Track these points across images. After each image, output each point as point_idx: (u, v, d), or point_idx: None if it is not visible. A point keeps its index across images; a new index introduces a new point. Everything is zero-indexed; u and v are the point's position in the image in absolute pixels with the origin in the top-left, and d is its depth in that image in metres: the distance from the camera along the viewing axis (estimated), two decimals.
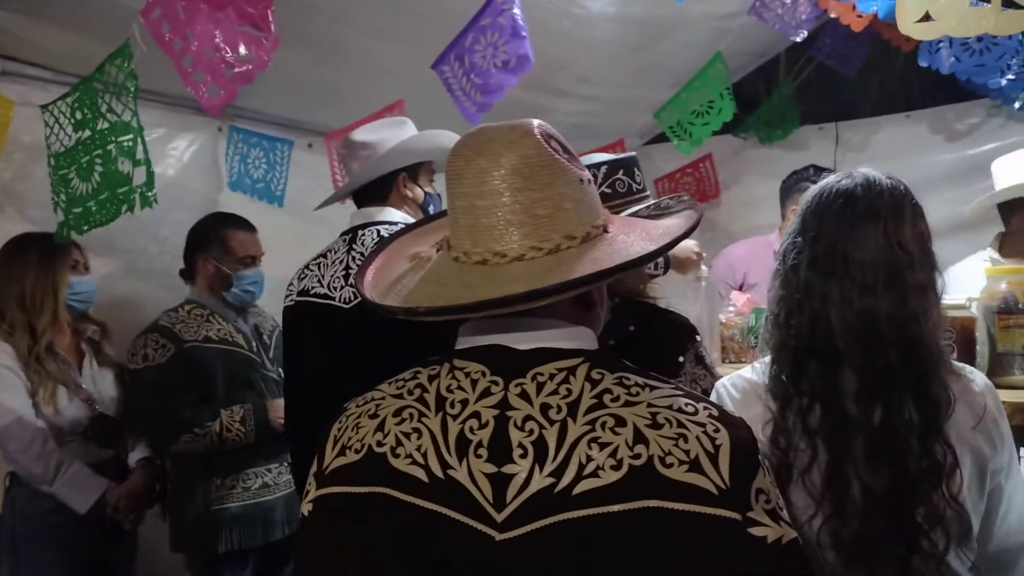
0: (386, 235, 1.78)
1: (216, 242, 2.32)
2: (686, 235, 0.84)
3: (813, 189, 1.18)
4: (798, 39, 2.62)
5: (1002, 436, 1.11)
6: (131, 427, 2.25)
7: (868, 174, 1.16)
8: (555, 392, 0.75)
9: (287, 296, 1.89)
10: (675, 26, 2.82)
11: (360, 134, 1.93)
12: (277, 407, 2.18)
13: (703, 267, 2.11)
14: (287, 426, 1.95)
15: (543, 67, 2.13)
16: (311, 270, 1.86)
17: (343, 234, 1.87)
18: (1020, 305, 1.51)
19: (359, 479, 0.79)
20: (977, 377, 1.15)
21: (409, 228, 1.00)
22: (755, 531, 0.70)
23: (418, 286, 0.83)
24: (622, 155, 1.60)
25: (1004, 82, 2.33)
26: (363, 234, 1.83)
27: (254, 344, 2.35)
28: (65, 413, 2.08)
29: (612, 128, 3.62)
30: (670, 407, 0.74)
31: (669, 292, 1.74)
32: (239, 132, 2.74)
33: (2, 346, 2.04)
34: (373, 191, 1.90)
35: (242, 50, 1.47)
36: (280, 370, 2.31)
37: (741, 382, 1.19)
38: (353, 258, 1.81)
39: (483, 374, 0.78)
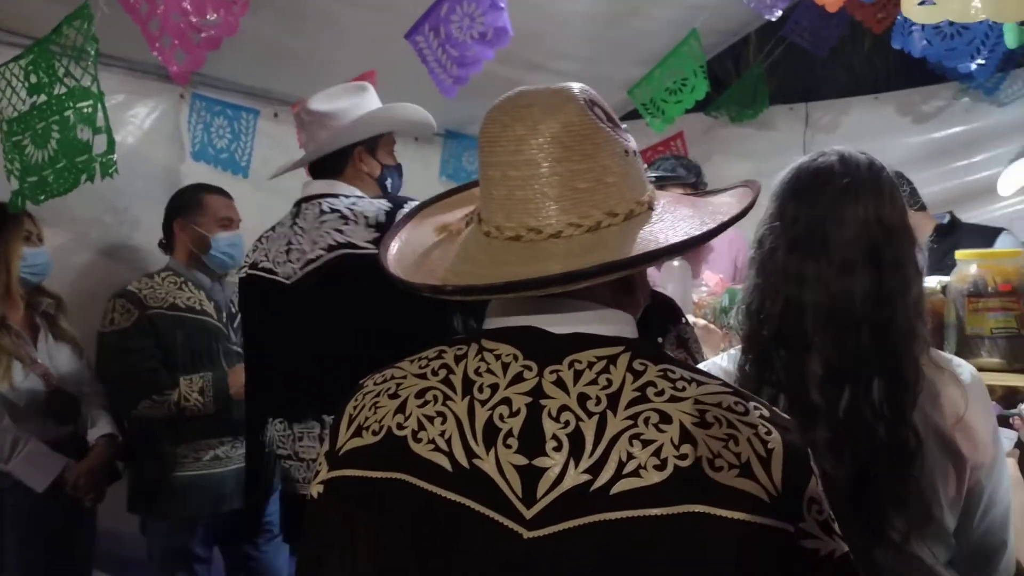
0: (327, 210, 1.75)
1: (193, 205, 2.29)
2: (741, 215, 0.77)
3: (787, 171, 1.15)
4: (773, 18, 2.61)
5: (987, 432, 1.09)
6: (89, 402, 2.20)
7: (842, 151, 1.13)
8: (594, 382, 0.69)
9: (240, 268, 1.87)
10: (651, 1, 2.79)
11: (319, 102, 1.84)
12: (237, 378, 2.15)
13: None
14: (245, 397, 1.94)
15: (516, 40, 2.08)
16: (260, 243, 1.84)
17: (293, 207, 1.84)
18: (989, 288, 1.53)
19: (376, 463, 0.73)
20: (964, 370, 1.12)
21: (437, 198, 0.93)
22: (807, 544, 0.66)
23: (451, 264, 0.77)
24: None
25: (974, 66, 2.37)
26: (306, 208, 1.79)
27: (223, 315, 2.32)
28: (20, 389, 2.02)
29: None
30: (719, 405, 0.69)
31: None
32: (202, 100, 2.64)
33: None
34: (328, 164, 1.85)
35: (210, 15, 1.40)
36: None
37: (714, 370, 1.17)
38: (295, 232, 1.77)
39: (515, 358, 0.72)
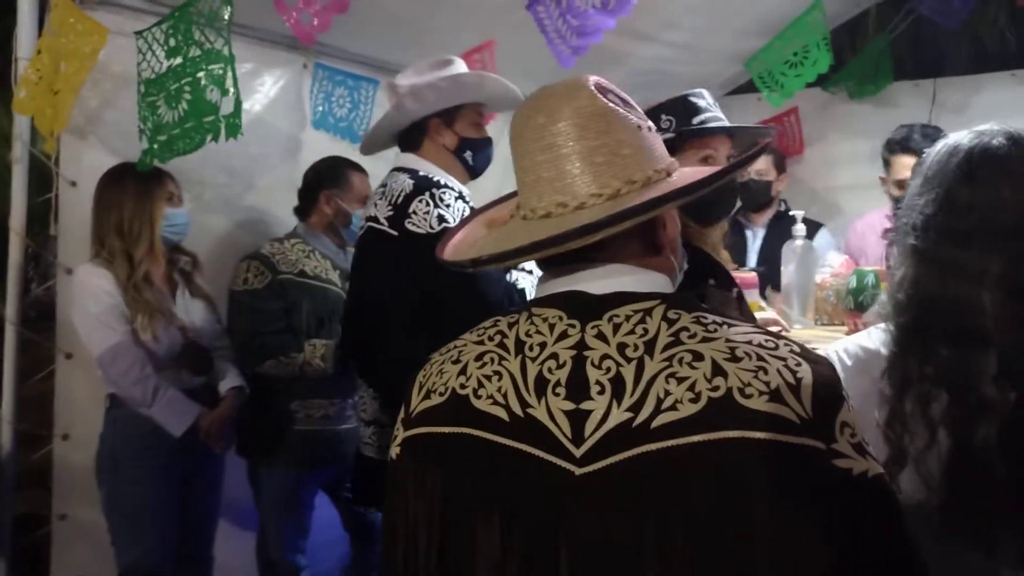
0: (383, 184, 1.88)
1: (342, 181, 2.41)
2: (744, 163, 0.85)
3: (945, 151, 1.05)
4: None
5: None
6: (220, 355, 2.33)
7: (1008, 130, 1.04)
8: (632, 332, 0.76)
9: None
10: None
11: (402, 77, 1.91)
12: None
13: (799, 225, 2.05)
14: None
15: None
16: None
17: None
18: None
19: (444, 420, 0.82)
20: None
21: (493, 203, 1.02)
22: (840, 463, 0.69)
23: (489, 244, 0.87)
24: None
25: None
26: (384, 179, 1.92)
27: (347, 284, 2.42)
28: (162, 340, 2.13)
29: (692, 77, 3.49)
30: (749, 342, 0.74)
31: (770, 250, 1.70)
32: (324, 70, 2.72)
33: (104, 273, 2.09)
34: (406, 137, 1.93)
35: None
36: None
37: (855, 349, 1.12)
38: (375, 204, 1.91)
39: (560, 318, 0.80)
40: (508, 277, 1.82)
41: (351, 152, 2.71)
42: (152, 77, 1.96)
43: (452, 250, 0.92)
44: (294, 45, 2.67)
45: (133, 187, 2.12)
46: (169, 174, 2.19)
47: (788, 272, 1.98)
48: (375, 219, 1.85)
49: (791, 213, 2.15)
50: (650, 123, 0.85)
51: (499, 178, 2.24)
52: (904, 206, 1.09)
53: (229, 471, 2.39)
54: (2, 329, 2.28)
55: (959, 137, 1.07)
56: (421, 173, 1.85)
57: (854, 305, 1.80)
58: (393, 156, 2.03)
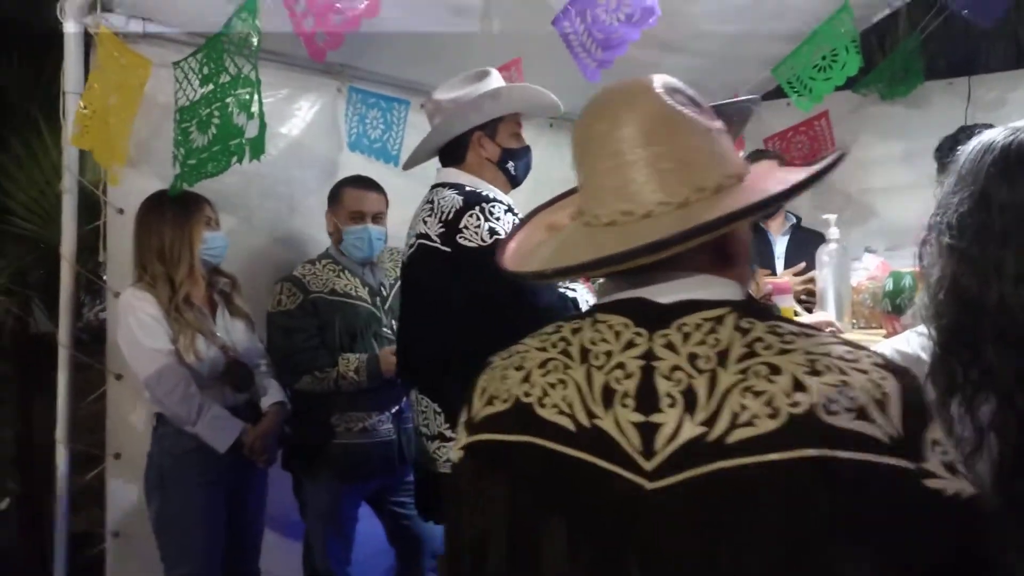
0: (430, 200, 1.88)
1: (334, 198, 2.48)
2: (821, 175, 0.77)
3: (979, 148, 1.03)
4: None
5: None
6: (261, 373, 2.39)
7: None
8: (702, 342, 0.73)
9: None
10: None
11: (440, 91, 1.93)
12: (388, 358, 2.35)
13: (833, 228, 2.04)
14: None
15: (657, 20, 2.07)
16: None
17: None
18: None
19: (508, 427, 0.80)
20: None
21: (550, 202, 1.00)
22: (931, 483, 0.65)
23: (551, 253, 0.84)
24: None
25: None
26: (427, 195, 1.93)
27: (376, 299, 2.49)
28: (204, 359, 2.19)
29: (720, 85, 3.50)
30: (829, 354, 0.70)
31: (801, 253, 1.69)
32: (358, 93, 2.79)
33: (146, 296, 2.15)
34: (449, 151, 1.93)
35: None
36: (394, 323, 2.47)
37: (893, 355, 1.09)
38: (415, 217, 1.95)
39: (626, 326, 0.77)
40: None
41: (386, 172, 2.78)
42: (187, 104, 2.03)
43: (513, 257, 0.89)
44: (328, 70, 2.75)
45: (172, 213, 2.20)
46: (206, 199, 2.26)
47: (823, 276, 1.96)
48: (426, 236, 1.86)
49: (824, 216, 2.14)
50: (720, 124, 0.80)
51: (531, 188, 2.26)
52: (938, 205, 1.07)
53: (276, 483, 2.44)
54: (56, 352, 2.36)
55: (994, 134, 1.05)
56: (468, 188, 1.87)
57: (891, 308, 1.78)
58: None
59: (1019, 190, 0.98)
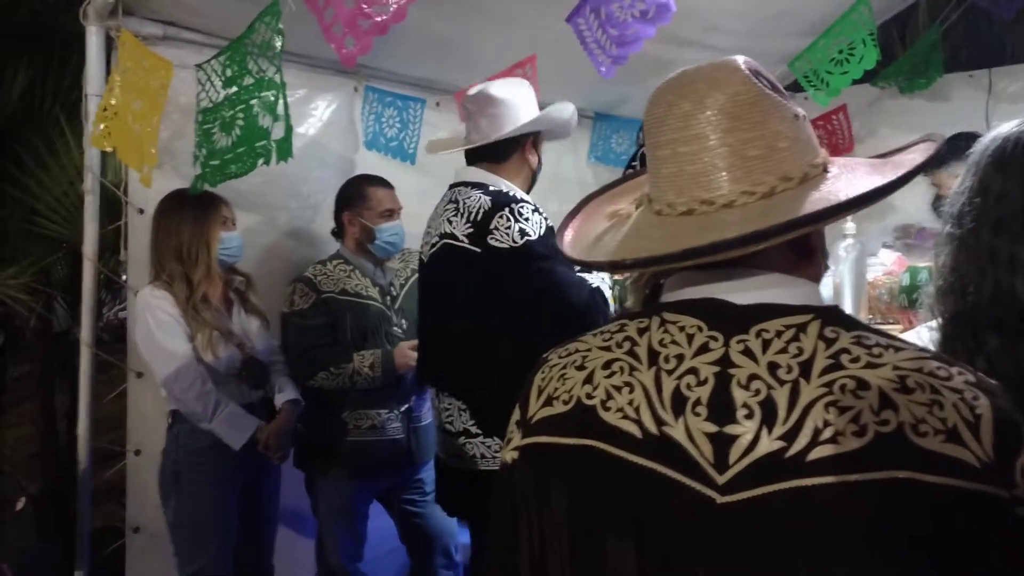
0: (454, 199, 1.91)
1: (359, 198, 2.48)
2: (924, 166, 0.73)
3: (988, 139, 1.04)
4: None
5: None
6: (276, 370, 2.42)
7: None
8: (784, 351, 0.68)
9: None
10: None
11: (495, 89, 1.96)
12: (402, 354, 2.38)
13: (849, 224, 2.02)
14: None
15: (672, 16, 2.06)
16: (430, 221, 2.05)
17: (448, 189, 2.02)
18: None
19: (567, 430, 0.76)
20: None
21: (605, 188, 0.95)
22: (1022, 512, 0.62)
23: (621, 241, 0.79)
24: None
25: None
26: (448, 193, 1.99)
27: (387, 298, 2.52)
28: (221, 357, 2.22)
29: None
30: (920, 370, 0.66)
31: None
32: (374, 92, 2.80)
33: (164, 295, 2.18)
34: (494, 151, 1.95)
35: (384, 2, 1.49)
36: (404, 322, 2.53)
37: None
38: (435, 215, 2.00)
39: (699, 329, 0.72)
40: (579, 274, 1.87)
41: (403, 171, 2.80)
42: (209, 106, 2.05)
43: (574, 246, 0.85)
44: (344, 70, 2.76)
45: (191, 213, 2.22)
46: (224, 199, 2.28)
47: (840, 271, 1.95)
48: (452, 236, 1.88)
49: None
50: (802, 111, 0.75)
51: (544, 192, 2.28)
52: (949, 196, 1.08)
53: (289, 480, 2.46)
54: (78, 351, 2.40)
55: (1006, 126, 1.06)
56: (492, 188, 1.90)
57: (908, 302, 1.77)
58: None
59: (1013, 179, 0.99)
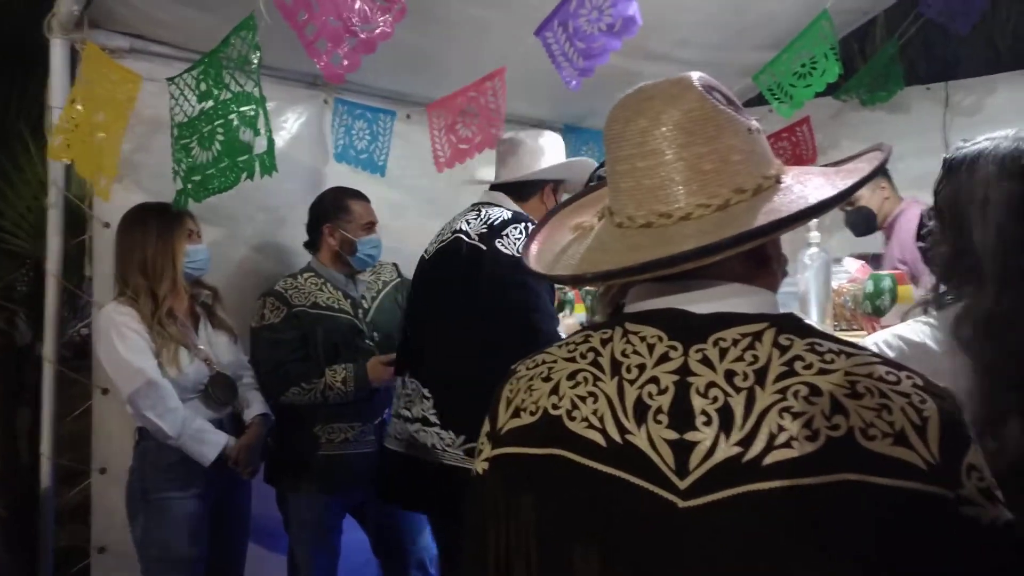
0: (471, 208, 2.08)
1: (341, 211, 2.48)
2: (871, 177, 0.76)
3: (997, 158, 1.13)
4: None
5: None
6: (244, 385, 2.38)
7: (1004, 135, 1.14)
8: (740, 359, 0.71)
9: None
10: None
11: (525, 135, 2.22)
12: (375, 368, 2.37)
13: (814, 232, 2.06)
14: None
15: (640, 30, 2.10)
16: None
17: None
18: None
19: (536, 441, 0.78)
20: None
21: (568, 201, 0.98)
22: (968, 511, 0.65)
23: (584, 254, 0.81)
24: None
25: None
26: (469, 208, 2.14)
27: (358, 311, 2.50)
28: (187, 373, 2.18)
29: None
30: (870, 375, 0.68)
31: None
32: (344, 104, 2.81)
33: (128, 311, 2.14)
34: (517, 189, 2.14)
35: (367, 15, 1.50)
36: (376, 335, 2.52)
37: (897, 342, 1.15)
38: (450, 222, 2.13)
39: (660, 339, 0.74)
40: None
41: (373, 183, 2.79)
42: (184, 120, 2.04)
43: (538, 259, 0.87)
44: (314, 82, 2.76)
45: (155, 227, 2.19)
46: (188, 212, 2.25)
47: (805, 279, 1.99)
48: (465, 233, 2.02)
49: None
50: (756, 124, 0.78)
51: None
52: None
53: (260, 495, 2.43)
54: (41, 367, 2.35)
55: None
56: (514, 210, 2.07)
57: (871, 309, 1.81)
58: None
59: (952, 187, 1.17)
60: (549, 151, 2.18)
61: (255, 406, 2.36)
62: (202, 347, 2.27)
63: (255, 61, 1.82)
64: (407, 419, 2.00)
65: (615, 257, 0.75)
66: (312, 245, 2.54)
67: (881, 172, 0.80)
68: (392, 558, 2.59)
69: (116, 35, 2.27)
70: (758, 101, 3.25)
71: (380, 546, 2.60)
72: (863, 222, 3.15)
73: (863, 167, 0.79)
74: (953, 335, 1.10)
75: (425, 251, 2.16)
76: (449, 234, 2.06)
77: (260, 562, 2.52)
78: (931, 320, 1.16)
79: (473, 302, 1.93)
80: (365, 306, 2.55)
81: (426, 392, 1.98)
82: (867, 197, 3.08)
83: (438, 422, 1.94)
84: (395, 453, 2.06)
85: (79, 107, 2.11)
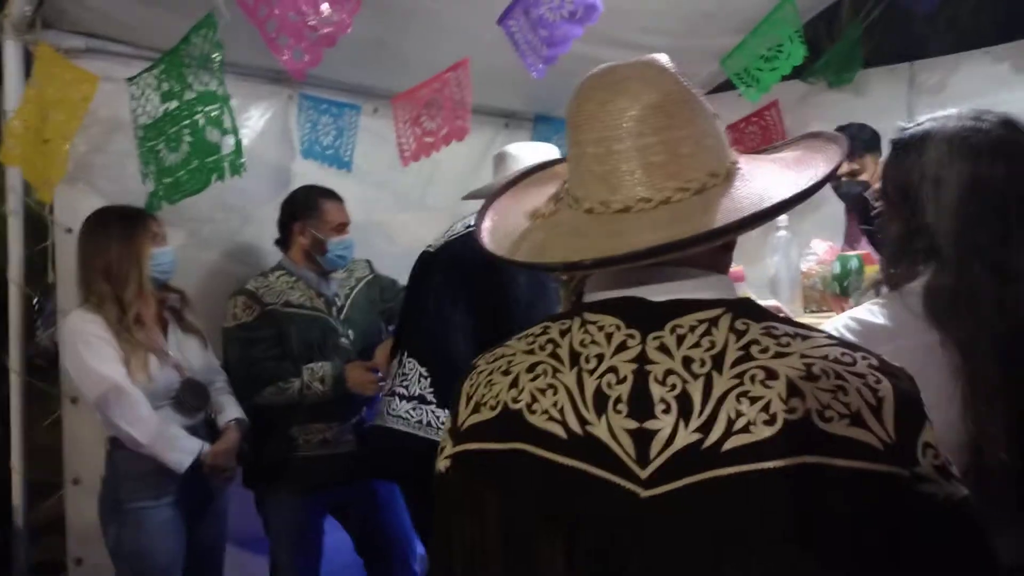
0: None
1: (312, 210, 2.44)
2: (835, 173, 0.76)
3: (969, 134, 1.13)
4: None
5: None
6: (216, 389, 2.34)
7: (944, 114, 1.16)
8: (697, 345, 0.70)
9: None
10: None
11: (514, 148, 2.18)
12: (357, 374, 2.33)
13: (783, 217, 2.07)
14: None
15: (604, 18, 2.09)
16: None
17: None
18: None
19: (496, 436, 0.77)
20: None
21: (508, 185, 0.93)
22: (924, 488, 0.65)
23: (556, 240, 0.77)
24: None
25: None
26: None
27: (332, 309, 2.47)
28: (157, 379, 2.14)
29: None
30: (825, 357, 0.68)
31: (744, 239, 1.72)
32: (309, 100, 2.77)
33: (93, 318, 2.08)
34: None
35: (324, 11, 1.48)
36: (351, 332, 2.49)
37: (856, 325, 1.15)
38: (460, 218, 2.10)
39: (618, 328, 0.74)
40: None
41: (340, 179, 2.76)
42: (148, 122, 2.00)
43: (493, 240, 0.84)
44: (278, 78, 2.72)
45: (117, 231, 2.12)
46: (152, 214, 2.20)
47: (774, 263, 2.00)
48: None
49: None
50: (713, 109, 0.78)
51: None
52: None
53: (239, 499, 2.41)
54: (7, 379, 2.30)
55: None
56: None
57: (839, 290, 1.82)
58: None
59: (898, 167, 1.19)
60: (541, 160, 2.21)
61: (229, 410, 2.32)
62: (172, 353, 2.22)
63: (217, 58, 1.78)
64: (404, 397, 1.99)
65: (597, 243, 0.73)
66: (283, 243, 2.51)
67: (838, 168, 0.78)
68: (375, 557, 2.58)
69: (71, 35, 2.22)
70: (725, 86, 3.26)
71: (363, 545, 2.59)
72: (859, 198, 3.05)
73: (827, 158, 0.78)
74: (927, 312, 1.10)
75: (429, 245, 2.12)
76: (460, 227, 2.05)
77: (242, 567, 2.50)
78: (884, 300, 1.17)
79: (471, 290, 1.94)
80: (339, 303, 2.52)
81: (424, 371, 1.98)
82: (871, 171, 2.99)
83: (435, 400, 1.94)
84: (388, 430, 2.03)
85: (30, 110, 2.07)
